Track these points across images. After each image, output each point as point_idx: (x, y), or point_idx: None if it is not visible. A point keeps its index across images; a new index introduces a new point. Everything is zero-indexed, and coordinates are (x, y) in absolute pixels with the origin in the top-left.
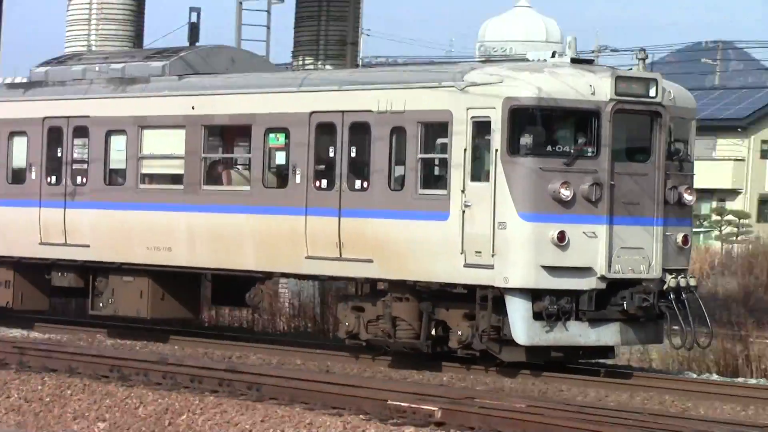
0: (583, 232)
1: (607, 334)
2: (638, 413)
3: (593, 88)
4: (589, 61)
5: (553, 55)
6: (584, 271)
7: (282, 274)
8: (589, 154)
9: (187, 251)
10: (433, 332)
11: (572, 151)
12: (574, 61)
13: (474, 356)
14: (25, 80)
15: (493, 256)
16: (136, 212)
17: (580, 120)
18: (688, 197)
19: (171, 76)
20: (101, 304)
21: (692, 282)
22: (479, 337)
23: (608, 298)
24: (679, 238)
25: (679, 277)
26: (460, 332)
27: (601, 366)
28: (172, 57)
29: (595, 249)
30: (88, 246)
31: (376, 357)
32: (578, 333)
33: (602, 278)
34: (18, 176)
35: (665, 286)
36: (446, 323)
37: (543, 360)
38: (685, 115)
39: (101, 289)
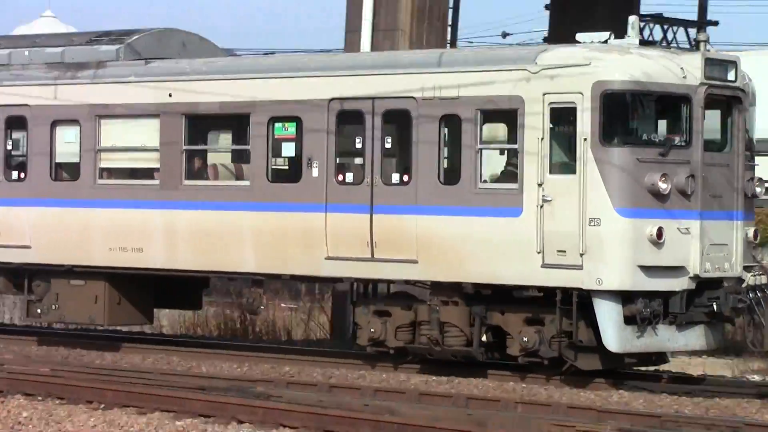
0: (678, 228)
1: (693, 338)
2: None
3: (684, 71)
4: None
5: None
6: (677, 270)
7: (293, 277)
8: (681, 144)
9: (164, 252)
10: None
11: (665, 140)
12: (642, 43)
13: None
14: None
15: (582, 255)
16: (95, 210)
17: (672, 106)
18: (759, 189)
19: (131, 60)
20: (39, 311)
21: (764, 279)
22: (548, 343)
23: (692, 299)
24: (750, 232)
25: (756, 275)
26: (525, 338)
27: None
28: (125, 40)
29: (688, 246)
30: (28, 247)
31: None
32: (667, 338)
33: (694, 278)
34: None
35: (744, 284)
36: (501, 329)
37: (618, 367)
38: (753, 101)
39: (40, 294)
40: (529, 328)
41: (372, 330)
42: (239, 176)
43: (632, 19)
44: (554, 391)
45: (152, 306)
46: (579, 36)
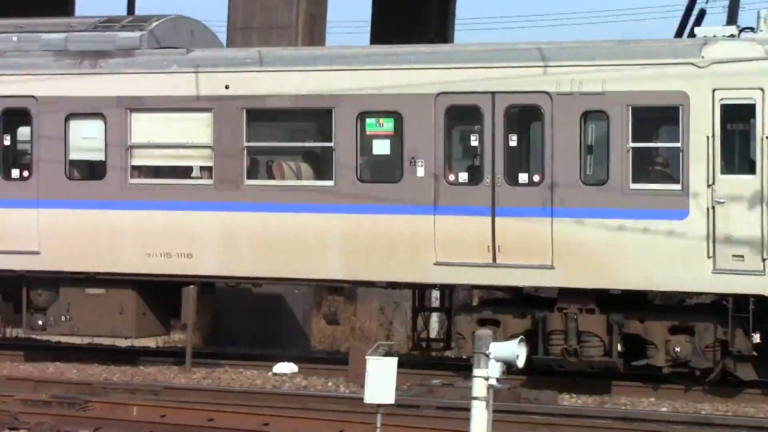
0: None
1: None
2: None
3: None
4: None
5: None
6: None
7: (390, 284)
8: None
9: (219, 258)
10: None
11: None
12: None
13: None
14: None
15: (764, 260)
16: (126, 212)
17: None
18: None
19: (158, 48)
20: (41, 322)
21: None
22: (701, 353)
23: None
24: None
25: None
26: (677, 348)
27: None
28: (144, 27)
29: None
30: (36, 253)
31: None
32: None
33: None
34: None
35: None
36: (640, 337)
37: None
38: None
39: (42, 304)
40: (679, 337)
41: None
42: (311, 176)
43: (764, 12)
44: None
45: (169, 316)
46: (698, 30)
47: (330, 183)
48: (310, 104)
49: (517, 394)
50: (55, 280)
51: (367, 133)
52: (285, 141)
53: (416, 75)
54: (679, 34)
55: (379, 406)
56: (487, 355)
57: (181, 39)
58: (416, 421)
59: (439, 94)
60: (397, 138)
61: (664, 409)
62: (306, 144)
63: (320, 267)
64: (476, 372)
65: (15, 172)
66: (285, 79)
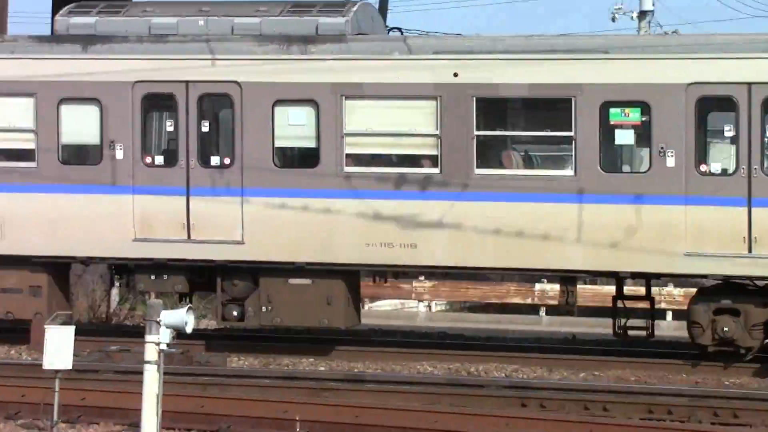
0: None
1: None
2: None
3: None
4: None
5: None
6: None
7: (634, 275)
8: None
9: (448, 248)
10: None
11: None
12: None
13: None
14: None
15: None
16: (343, 201)
17: None
18: None
19: (372, 34)
20: (235, 313)
21: None
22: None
23: None
24: None
25: None
26: None
27: None
28: (343, 12)
29: None
30: (240, 243)
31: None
32: None
33: None
34: (84, 154)
35: None
36: None
37: None
38: None
39: (237, 294)
40: None
41: (725, 329)
42: (541, 165)
43: None
44: None
45: (358, 304)
46: None
47: (568, 173)
48: (548, 94)
49: (189, 357)
50: (252, 271)
51: (612, 122)
52: (518, 130)
53: (665, 65)
54: None
55: (57, 371)
56: (158, 323)
57: (371, 24)
58: (94, 385)
59: (690, 84)
60: (644, 129)
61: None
62: (542, 133)
63: (558, 257)
64: (148, 338)
65: (215, 160)
66: (519, 68)
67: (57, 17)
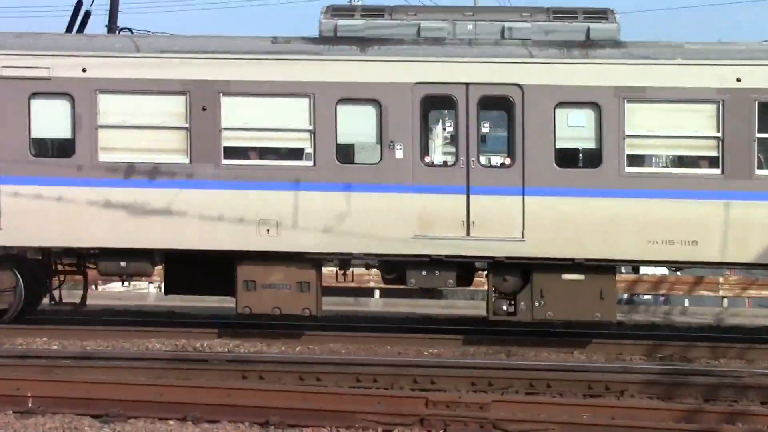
0: None
1: None
2: None
3: None
4: None
5: None
6: None
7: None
8: None
9: (722, 247)
10: None
11: None
12: None
13: None
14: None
15: None
16: (625, 200)
17: None
18: None
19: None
20: (504, 308)
21: None
22: None
23: None
24: None
25: None
26: None
27: None
28: (611, 19)
29: None
30: (521, 240)
31: None
32: None
33: None
34: (360, 154)
35: None
36: None
37: None
38: None
39: (506, 289)
40: None
41: None
42: None
43: None
44: None
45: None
46: None
47: None
48: None
49: None
50: (523, 267)
51: None
52: None
53: None
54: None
55: None
56: None
57: None
58: None
59: None
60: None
61: None
62: None
63: None
64: None
65: (495, 160)
66: None
67: (322, 20)
